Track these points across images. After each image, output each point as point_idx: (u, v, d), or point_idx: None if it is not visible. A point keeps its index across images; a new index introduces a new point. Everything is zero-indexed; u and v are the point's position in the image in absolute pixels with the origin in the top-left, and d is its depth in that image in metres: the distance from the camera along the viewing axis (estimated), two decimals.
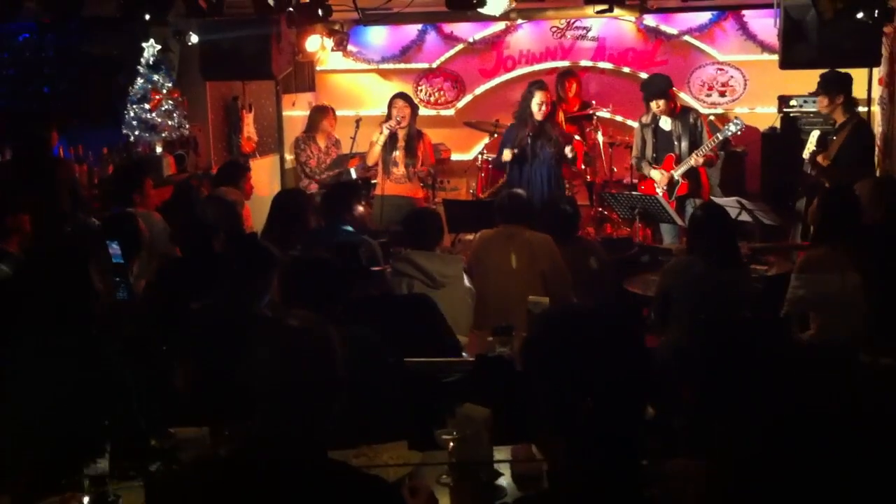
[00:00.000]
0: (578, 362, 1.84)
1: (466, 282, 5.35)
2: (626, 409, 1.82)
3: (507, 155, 7.73)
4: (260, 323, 2.52)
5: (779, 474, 1.65)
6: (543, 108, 7.65)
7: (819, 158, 6.86)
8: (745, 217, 6.95)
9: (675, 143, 7.46)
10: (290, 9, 6.66)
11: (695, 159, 7.32)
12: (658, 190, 7.51)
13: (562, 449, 1.84)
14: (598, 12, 7.80)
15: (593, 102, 9.56)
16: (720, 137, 7.36)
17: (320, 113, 9.18)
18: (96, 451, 2.79)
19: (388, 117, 7.83)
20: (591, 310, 2.06)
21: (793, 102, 8.87)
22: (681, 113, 7.60)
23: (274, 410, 2.18)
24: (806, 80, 8.49)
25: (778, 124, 8.94)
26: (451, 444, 2.92)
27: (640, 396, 1.87)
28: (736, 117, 7.67)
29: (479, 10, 6.77)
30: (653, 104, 7.49)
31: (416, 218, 5.59)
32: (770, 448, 1.66)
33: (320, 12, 6.57)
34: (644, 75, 9.98)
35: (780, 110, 8.98)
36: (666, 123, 7.55)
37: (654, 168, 7.57)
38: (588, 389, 1.81)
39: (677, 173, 7.43)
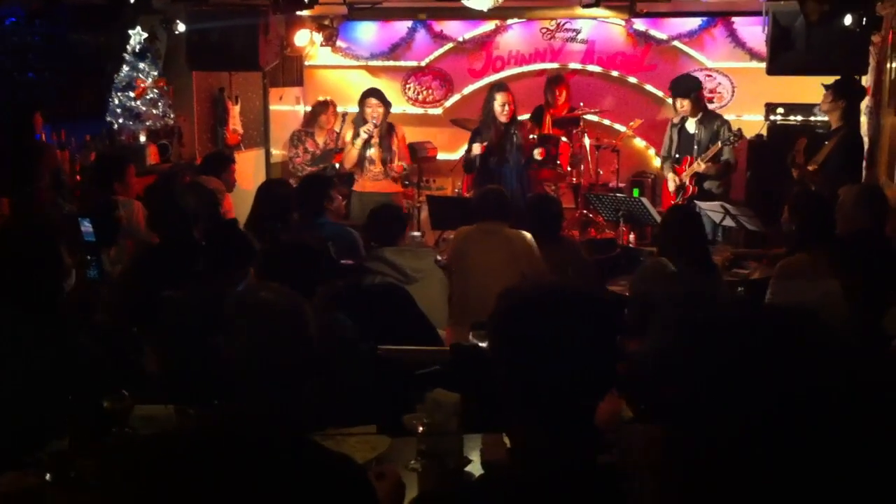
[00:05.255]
0: (542, 335, 1.81)
1: (440, 274, 5.33)
2: (586, 386, 1.80)
3: (476, 148, 7.78)
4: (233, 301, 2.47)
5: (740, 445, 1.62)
6: (506, 108, 7.69)
7: (808, 167, 6.93)
8: (728, 222, 6.96)
9: (695, 146, 7.62)
10: None
11: (697, 165, 7.54)
12: (670, 189, 7.80)
13: (521, 425, 1.82)
14: (584, 6, 7.82)
15: (581, 104, 9.55)
16: (720, 145, 7.48)
17: (320, 106, 9.16)
18: (59, 428, 2.74)
19: (361, 115, 7.78)
20: (559, 285, 2.03)
21: (780, 110, 8.90)
22: (707, 117, 7.81)
23: (243, 383, 2.14)
24: (793, 89, 8.54)
25: (765, 132, 8.95)
26: (421, 429, 2.89)
27: (603, 374, 1.86)
28: (738, 128, 7.74)
29: (465, 2, 6.73)
30: (677, 103, 7.72)
31: (376, 214, 5.57)
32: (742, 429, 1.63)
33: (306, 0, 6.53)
34: (632, 80, 10.03)
35: (766, 118, 9.00)
36: (691, 126, 7.77)
37: (671, 170, 7.85)
38: (551, 363, 1.79)
39: (685, 176, 7.64)
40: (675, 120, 7.92)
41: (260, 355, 2.12)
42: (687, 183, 7.63)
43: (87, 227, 4.70)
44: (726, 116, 9.56)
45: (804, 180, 6.99)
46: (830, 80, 7.27)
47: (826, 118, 7.59)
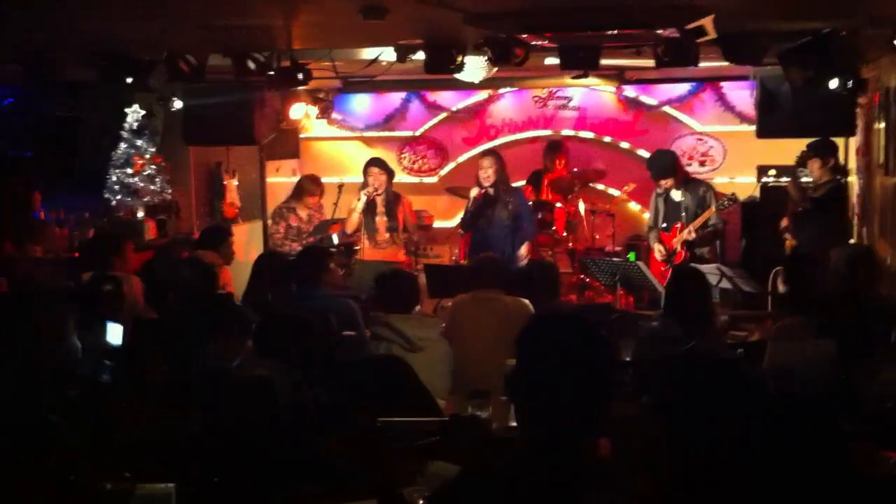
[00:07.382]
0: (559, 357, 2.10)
1: (444, 344, 5.32)
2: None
3: (473, 191, 7.93)
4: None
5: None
6: (487, 172, 7.79)
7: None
8: (725, 284, 6.97)
9: (683, 212, 7.64)
10: (271, 73, 6.74)
11: (688, 233, 7.58)
12: (658, 258, 7.79)
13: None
14: (574, 77, 7.95)
15: (575, 170, 9.65)
16: (714, 209, 7.58)
17: (312, 185, 9.05)
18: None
19: (365, 185, 7.88)
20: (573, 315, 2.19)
21: (771, 172, 8.97)
22: (691, 183, 7.88)
23: (216, 457, 2.16)
24: (784, 151, 8.59)
25: (757, 194, 9.02)
26: (421, 502, 2.88)
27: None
28: (732, 193, 7.79)
29: (457, 76, 6.87)
30: (662, 182, 7.74)
31: (389, 280, 5.57)
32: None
33: (300, 76, 6.67)
34: (625, 145, 10.15)
35: (758, 180, 9.08)
36: (676, 194, 7.79)
37: (658, 240, 7.85)
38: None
39: (676, 242, 7.67)
40: (660, 190, 7.92)
41: (229, 429, 2.15)
42: (679, 249, 7.64)
43: (115, 329, 4.61)
44: (718, 179, 9.73)
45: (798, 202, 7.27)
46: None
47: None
